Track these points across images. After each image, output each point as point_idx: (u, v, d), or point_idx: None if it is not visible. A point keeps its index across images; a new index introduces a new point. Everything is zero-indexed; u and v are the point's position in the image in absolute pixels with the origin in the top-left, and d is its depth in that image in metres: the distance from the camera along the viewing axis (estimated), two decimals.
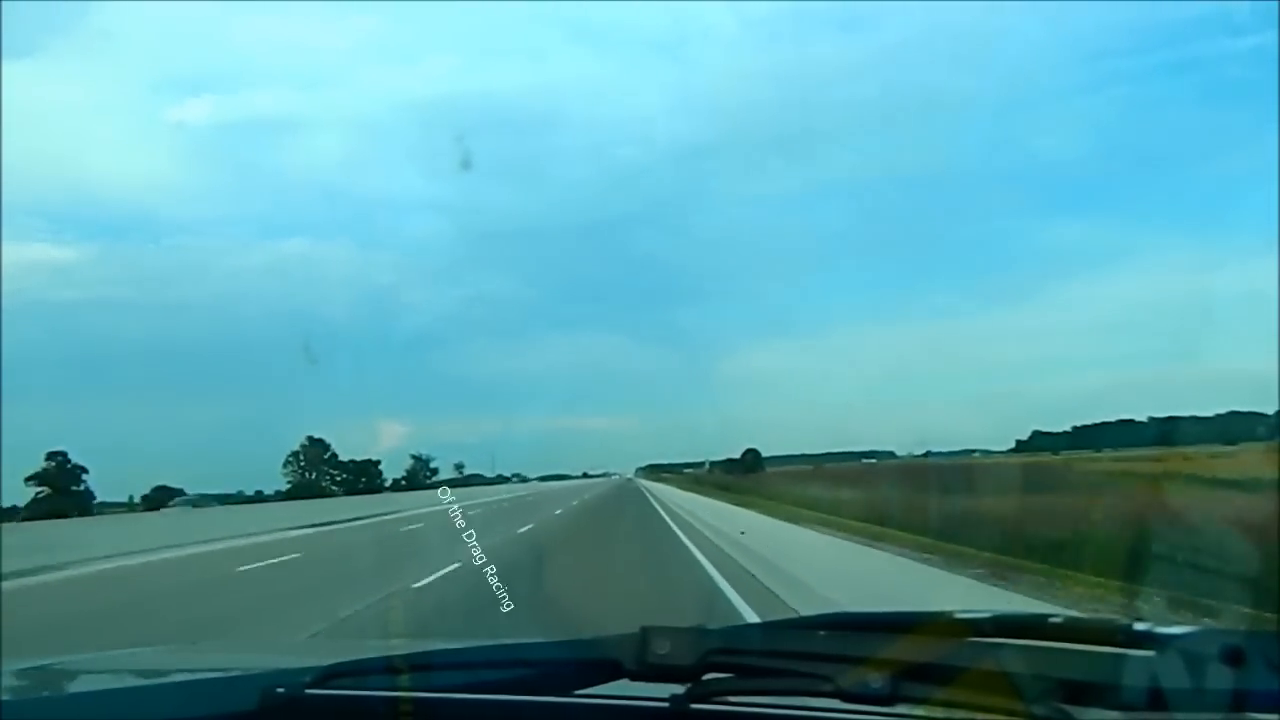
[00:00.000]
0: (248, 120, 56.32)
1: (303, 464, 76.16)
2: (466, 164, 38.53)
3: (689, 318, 61.98)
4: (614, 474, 72.85)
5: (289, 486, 73.93)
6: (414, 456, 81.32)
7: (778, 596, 10.54)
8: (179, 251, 56.35)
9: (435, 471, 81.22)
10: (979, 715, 1.18)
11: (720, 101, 54.98)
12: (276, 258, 57.47)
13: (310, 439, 74.65)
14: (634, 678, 1.36)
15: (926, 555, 14.08)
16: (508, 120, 53.15)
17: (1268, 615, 6.97)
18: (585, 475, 71.44)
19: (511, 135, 53.96)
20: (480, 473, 79.33)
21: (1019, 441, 48.63)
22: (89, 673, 2.11)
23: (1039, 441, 47.36)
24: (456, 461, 76.94)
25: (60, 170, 52.09)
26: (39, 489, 67.17)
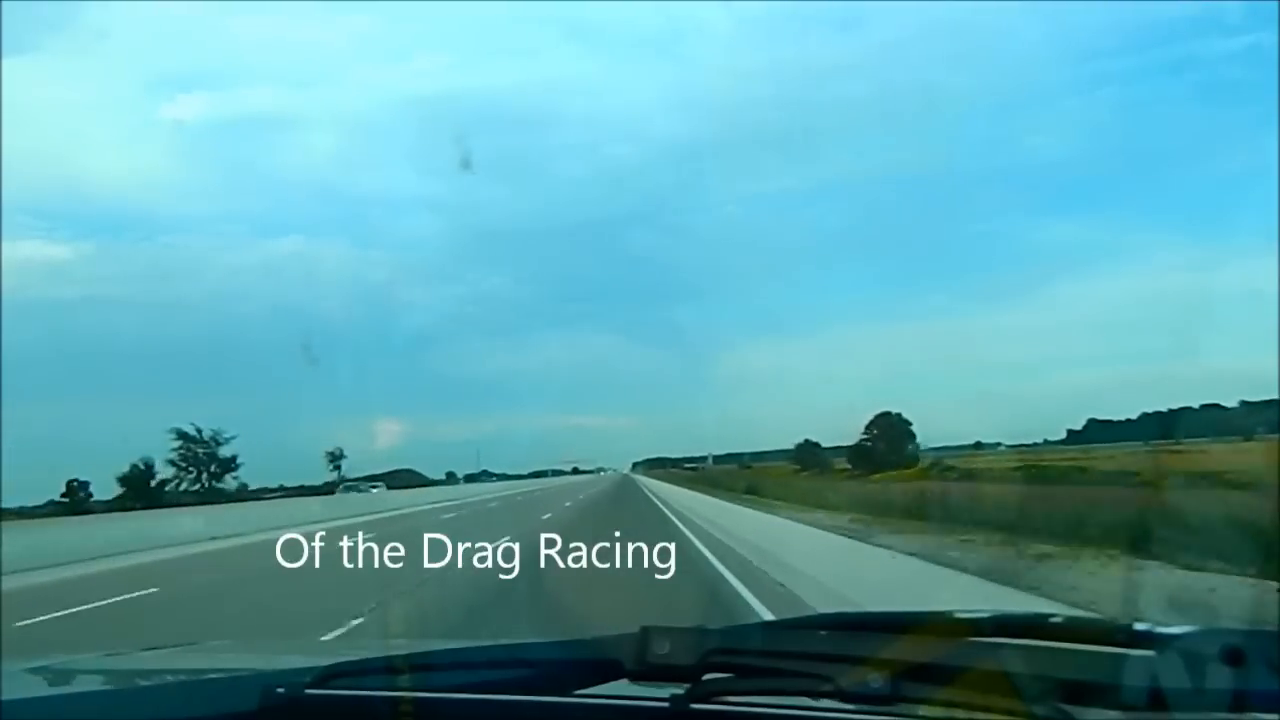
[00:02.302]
0: (242, 118, 56.34)
1: None
2: (467, 164, 38.43)
3: (685, 315, 61.20)
4: (606, 470, 64.96)
5: None
6: (181, 434, 43.92)
7: None
8: (174, 250, 55.95)
9: (232, 466, 45.25)
10: (979, 715, 1.18)
11: (716, 99, 54.83)
12: (272, 256, 57.03)
13: None
14: (634, 678, 1.36)
15: None
16: (502, 118, 53.11)
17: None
18: (576, 471, 63.89)
19: (506, 133, 53.87)
20: (414, 468, 49.80)
21: (1070, 432, 39.68)
22: (89, 673, 2.10)
23: (1093, 432, 38.13)
24: (331, 449, 44.88)
25: (53, 168, 51.84)
26: None
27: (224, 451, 47.21)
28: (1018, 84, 54.01)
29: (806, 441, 42.30)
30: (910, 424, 36.48)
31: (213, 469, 46.77)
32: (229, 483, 46.75)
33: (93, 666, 2.20)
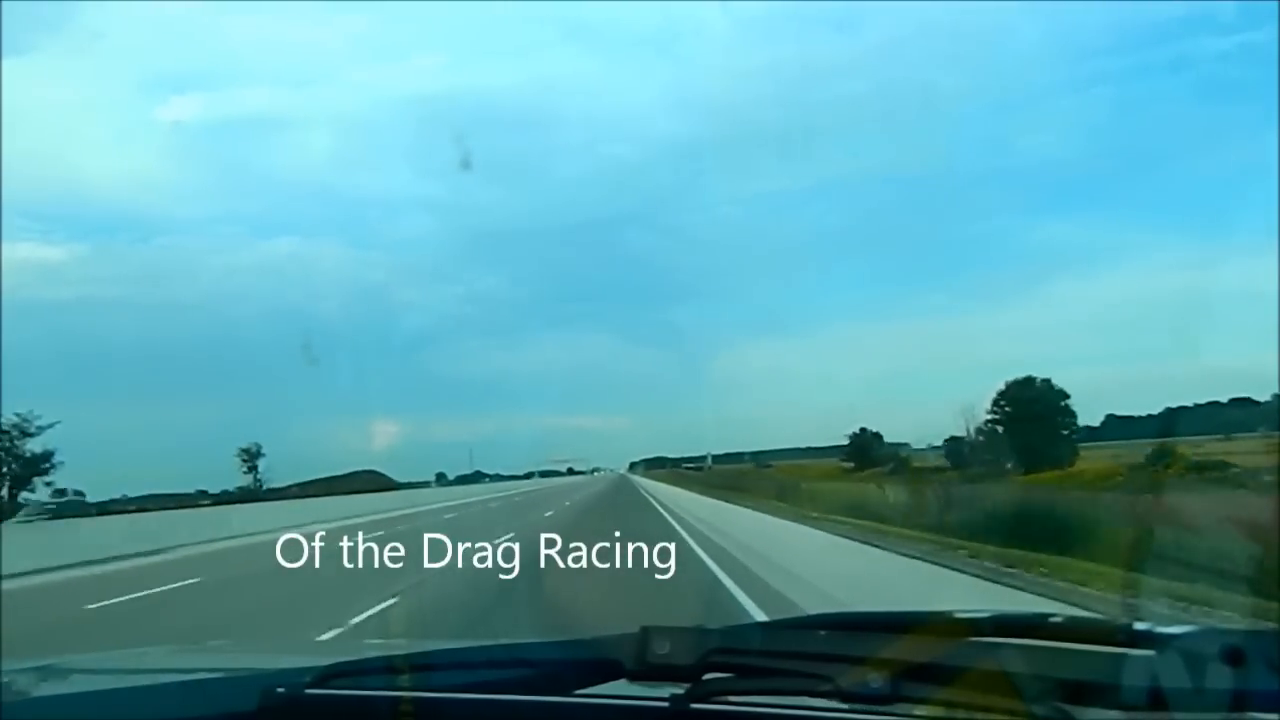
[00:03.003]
0: (238, 119, 56.23)
1: None
2: (466, 164, 38.26)
3: (683, 315, 60.79)
4: (601, 470, 63.50)
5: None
6: None
7: None
8: (170, 251, 55.60)
9: (43, 466, 31.03)
10: (979, 715, 1.18)
11: (714, 99, 54.58)
12: (268, 257, 56.71)
13: None
14: (634, 678, 1.36)
15: None
16: (500, 118, 53.07)
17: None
18: (570, 471, 62.56)
19: (504, 133, 53.79)
20: (376, 469, 42.10)
21: (1087, 429, 38.14)
22: (89, 673, 2.10)
23: (1112, 429, 31.93)
24: (246, 445, 36.03)
25: (49, 169, 51.52)
26: None
27: (32, 445, 31.63)
28: (1015, 83, 53.99)
29: (863, 431, 29.87)
30: (1068, 396, 22.93)
31: (11, 468, 31.57)
32: (40, 489, 31.86)
33: (93, 666, 2.20)
